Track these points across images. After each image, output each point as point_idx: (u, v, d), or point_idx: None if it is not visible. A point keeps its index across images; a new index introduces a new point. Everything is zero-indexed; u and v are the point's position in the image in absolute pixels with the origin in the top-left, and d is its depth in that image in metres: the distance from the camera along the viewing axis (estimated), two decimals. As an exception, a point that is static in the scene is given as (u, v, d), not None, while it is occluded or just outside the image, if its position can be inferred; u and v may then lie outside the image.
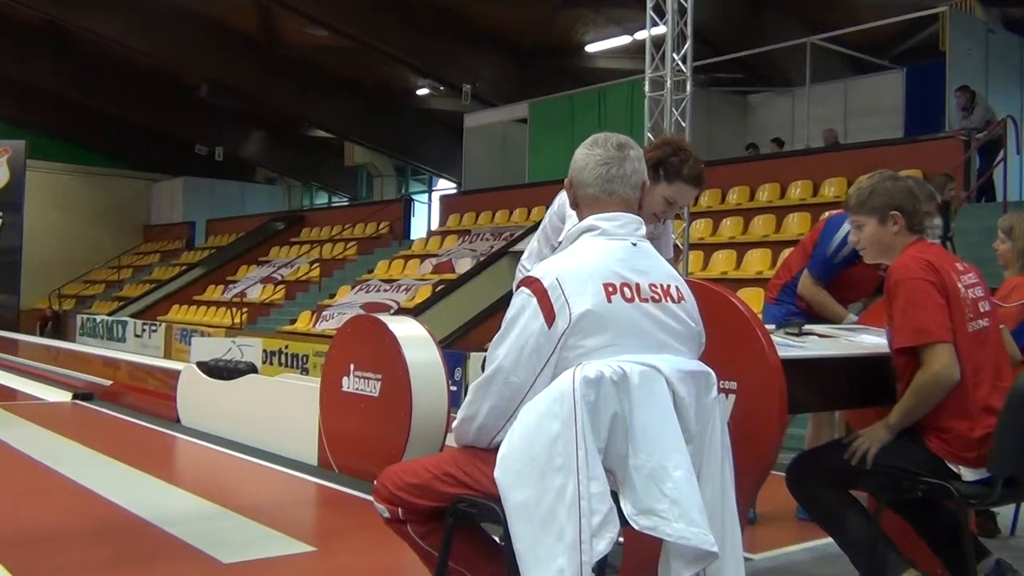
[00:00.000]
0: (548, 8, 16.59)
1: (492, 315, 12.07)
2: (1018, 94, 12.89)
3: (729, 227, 12.10)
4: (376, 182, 25.23)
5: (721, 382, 2.35)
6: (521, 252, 3.61)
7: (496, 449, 2.17)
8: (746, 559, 2.60)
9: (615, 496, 2.06)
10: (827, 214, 4.52)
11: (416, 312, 12.68)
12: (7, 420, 7.83)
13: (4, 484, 5.32)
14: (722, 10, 14.42)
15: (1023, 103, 12.74)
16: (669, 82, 9.28)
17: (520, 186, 16.89)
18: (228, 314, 18.19)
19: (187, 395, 7.72)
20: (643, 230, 2.32)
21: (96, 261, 26.14)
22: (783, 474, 2.91)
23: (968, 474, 2.70)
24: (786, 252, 7.41)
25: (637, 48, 15.45)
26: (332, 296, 16.83)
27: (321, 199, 29.04)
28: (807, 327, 3.18)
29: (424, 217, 23.37)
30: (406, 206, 19.87)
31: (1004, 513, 4.25)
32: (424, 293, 14.63)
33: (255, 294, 18.84)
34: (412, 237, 19.21)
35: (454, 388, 7.71)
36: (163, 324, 17.53)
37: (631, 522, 2.05)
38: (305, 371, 11.88)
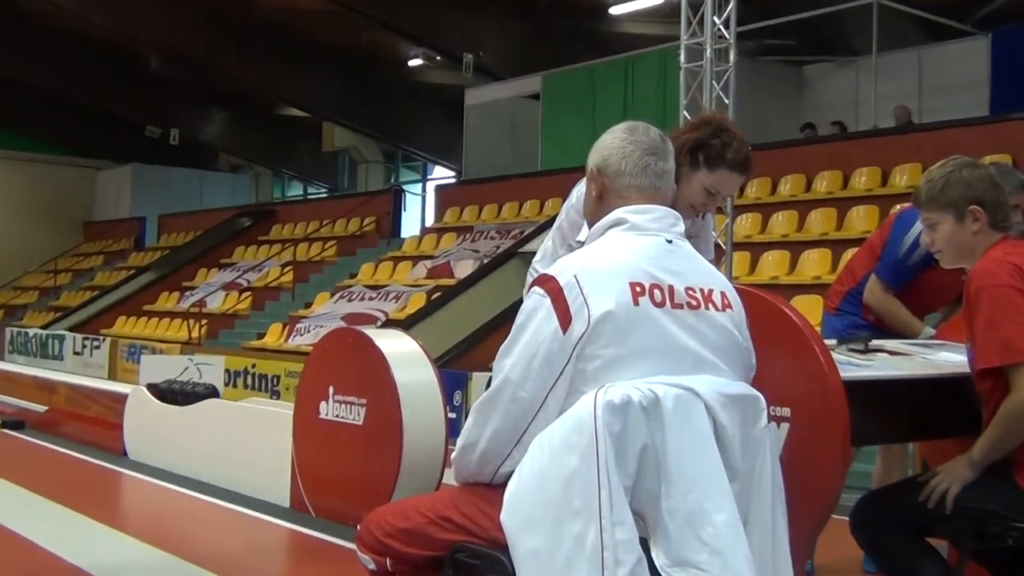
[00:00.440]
0: (565, -38, 16.65)
1: (498, 328, 12.06)
2: None
3: (781, 223, 12.08)
4: (360, 170, 25.27)
5: (772, 408, 2.35)
6: (532, 253, 3.61)
7: (502, 487, 2.17)
8: (802, 620, 2.58)
9: (644, 544, 2.05)
10: (898, 207, 4.53)
11: (408, 324, 12.68)
12: (-78, 453, 7.86)
13: (-82, 529, 5.32)
14: (773, -36, 14.44)
15: None
16: (709, 50, 9.28)
17: (531, 174, 16.88)
18: (184, 327, 18.21)
19: (136, 424, 7.73)
20: (681, 226, 2.33)
21: (28, 264, 26.23)
22: (846, 518, 2.90)
23: (1069, 519, 2.69)
24: (849, 253, 7.40)
25: (670, 10, 15.41)
26: (308, 305, 16.84)
27: (295, 190, 29.08)
28: (875, 342, 3.17)
29: (417, 211, 23.39)
30: (396, 198, 19.89)
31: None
32: (417, 302, 14.63)
33: (216, 303, 18.87)
34: (403, 235, 19.22)
35: (453, 415, 7.67)
36: (107, 339, 17.55)
37: (664, 576, 2.04)
38: (276, 395, 11.87)
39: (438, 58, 20.04)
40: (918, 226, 4.00)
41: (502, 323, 12.08)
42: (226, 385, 11.95)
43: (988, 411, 2.78)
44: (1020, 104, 12.18)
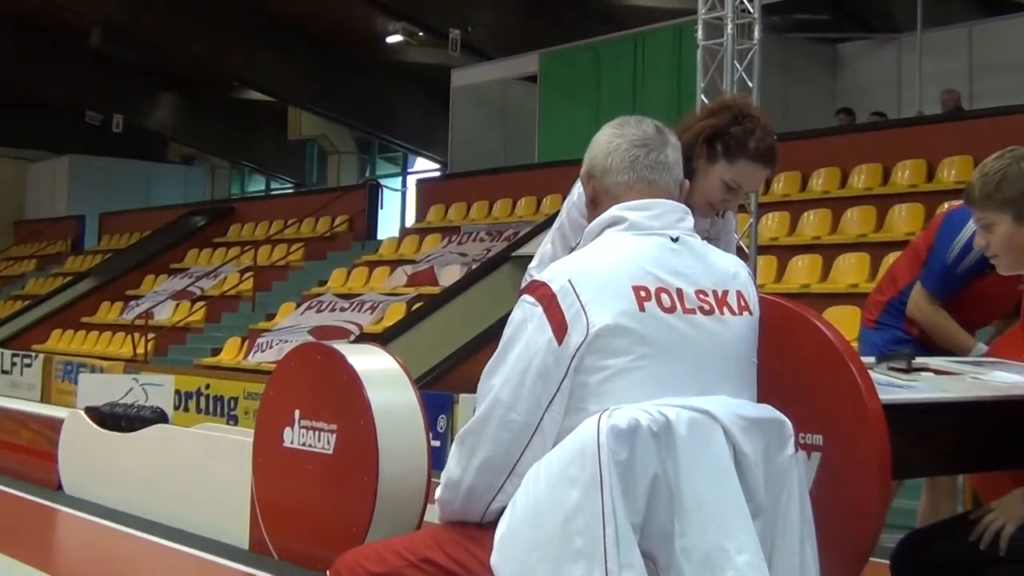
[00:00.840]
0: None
1: (488, 343, 12.06)
2: None
3: (813, 223, 12.10)
4: (331, 162, 25.27)
5: (801, 436, 2.35)
6: (528, 258, 3.62)
7: (493, 526, 2.17)
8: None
9: (656, 590, 2.06)
10: (947, 206, 4.54)
11: (385, 339, 12.68)
12: None
13: None
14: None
15: None
16: (731, 26, 9.30)
17: (527, 167, 16.89)
18: (128, 342, 18.19)
19: (72, 453, 7.70)
20: (690, 221, 2.34)
21: (-51, 270, 26.21)
22: (886, 562, 2.91)
23: None
24: (891, 258, 7.40)
25: (687, -20, 15.51)
26: (270, 317, 16.83)
27: (256, 185, 29.07)
28: (919, 360, 3.18)
29: (396, 209, 23.40)
30: (371, 194, 19.89)
31: None
32: (396, 313, 14.63)
33: (165, 314, 18.85)
34: (380, 237, 19.22)
35: (437, 443, 7.68)
36: (40, 355, 17.52)
37: (678, 626, 2.05)
38: (233, 420, 11.85)
39: (420, 34, 20.03)
40: (970, 227, 4.00)
41: (493, 337, 12.04)
42: (176, 409, 11.91)
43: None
44: (1086, 87, 12.25)
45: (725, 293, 2.26)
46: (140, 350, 17.56)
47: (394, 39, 20.74)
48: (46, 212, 26.86)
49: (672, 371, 2.16)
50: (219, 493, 6.13)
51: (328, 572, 2.42)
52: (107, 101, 24.58)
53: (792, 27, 15.45)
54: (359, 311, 15.25)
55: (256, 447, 5.65)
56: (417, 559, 2.29)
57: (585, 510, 2.03)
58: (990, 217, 2.99)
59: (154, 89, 24.73)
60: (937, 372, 3.14)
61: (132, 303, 20.10)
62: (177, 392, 12.32)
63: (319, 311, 15.79)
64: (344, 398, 5.16)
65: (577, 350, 2.14)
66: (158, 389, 11.25)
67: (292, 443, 5.40)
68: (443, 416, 9.46)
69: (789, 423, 2.23)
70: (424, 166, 24.51)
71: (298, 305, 16.54)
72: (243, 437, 6.18)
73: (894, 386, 2.81)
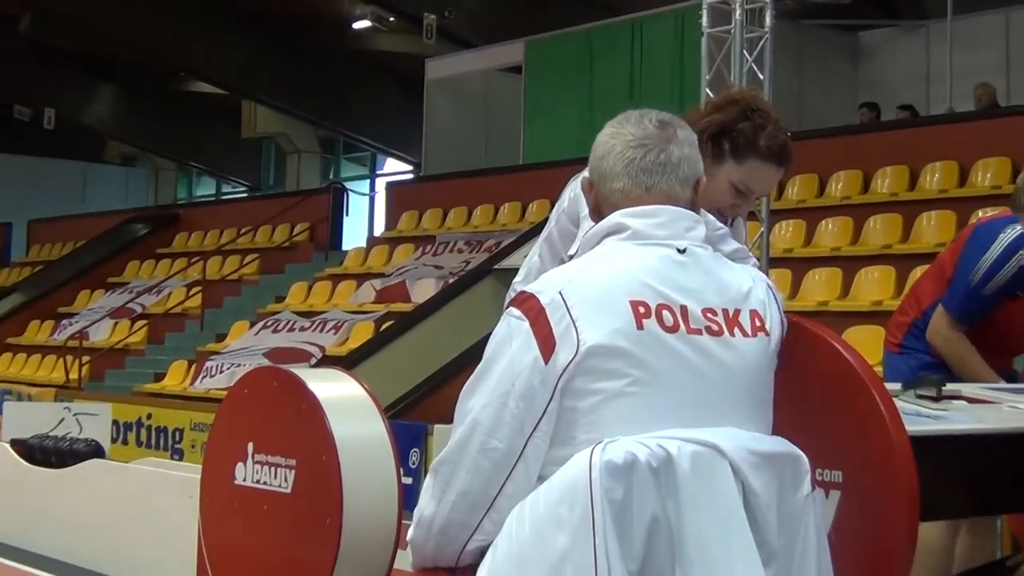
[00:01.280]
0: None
1: (467, 367, 12.03)
2: None
3: (832, 232, 12.13)
4: (290, 162, 25.26)
5: (818, 472, 2.36)
6: (512, 271, 3.62)
7: (471, 571, 2.16)
8: None
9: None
10: (980, 215, 4.54)
11: (351, 362, 12.66)
12: None
13: None
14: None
15: None
16: (739, 11, 9.33)
17: (511, 169, 16.92)
18: (60, 366, 18.12)
19: (-5, 491, 7.67)
20: (700, 231, 2.34)
21: None
22: (914, 613, 2.91)
23: None
24: (918, 272, 7.41)
25: (690, -41, 15.56)
26: (220, 338, 16.80)
27: (205, 188, 29.03)
28: (950, 387, 3.19)
29: (364, 216, 23.41)
30: (336, 199, 19.88)
31: None
32: (363, 333, 14.62)
33: (102, 335, 18.79)
34: (345, 247, 19.22)
35: (408, 480, 7.66)
36: (-41, 381, 17.46)
37: None
38: (178, 454, 11.80)
39: (391, 19, 20.06)
40: (1000, 243, 4.00)
41: (472, 361, 11.99)
42: (113, 441, 11.87)
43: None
44: None
45: (737, 312, 2.27)
46: (73, 375, 17.50)
47: (362, 25, 20.76)
48: (-34, 219, 26.80)
49: (672, 399, 2.16)
50: (162, 536, 6.11)
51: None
52: (37, 94, 24.56)
53: (808, 12, 15.49)
54: (321, 331, 15.22)
55: (204, 485, 5.61)
56: (386, 613, 2.29)
57: (574, 558, 2.03)
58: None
59: (91, 80, 24.72)
60: (971, 400, 3.15)
61: (64, 322, 20.03)
62: (115, 423, 12.28)
63: (276, 331, 15.76)
64: (304, 430, 5.14)
65: (564, 370, 2.14)
66: (93, 419, 11.22)
67: (245, 480, 5.37)
68: (416, 449, 9.45)
69: (805, 458, 2.23)
70: (395, 168, 24.53)
71: (252, 324, 16.52)
72: (189, 474, 6.16)
73: (923, 416, 2.82)
